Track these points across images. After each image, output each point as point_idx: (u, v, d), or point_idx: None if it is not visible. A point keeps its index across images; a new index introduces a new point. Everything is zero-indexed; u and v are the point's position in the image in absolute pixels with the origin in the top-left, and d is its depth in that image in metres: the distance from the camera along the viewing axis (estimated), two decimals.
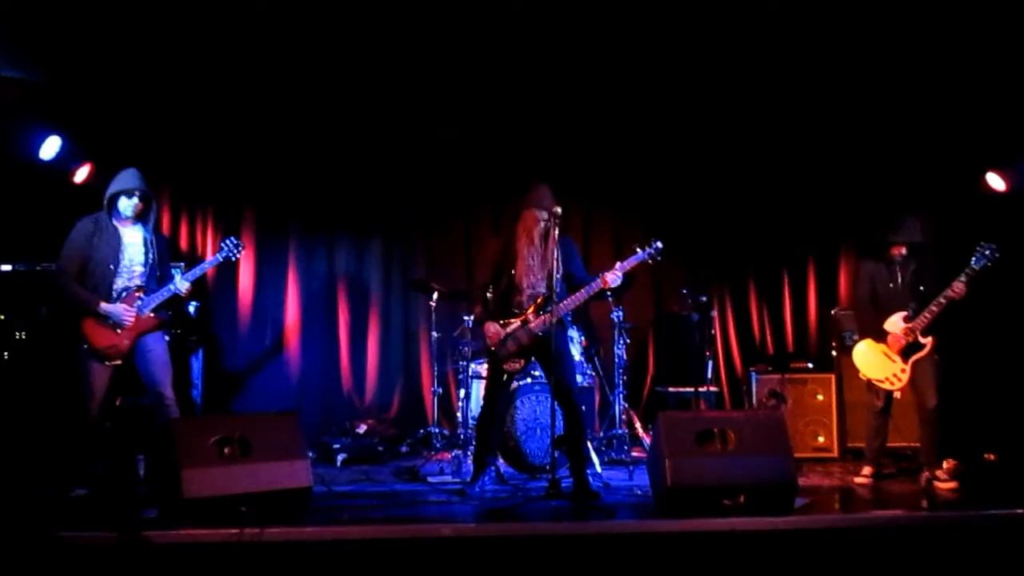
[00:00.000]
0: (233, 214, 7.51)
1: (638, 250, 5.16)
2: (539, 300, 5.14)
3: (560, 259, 5.10)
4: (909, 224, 5.66)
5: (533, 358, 5.30)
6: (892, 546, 4.25)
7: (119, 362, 5.01)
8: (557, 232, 5.08)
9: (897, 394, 5.80)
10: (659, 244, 5.14)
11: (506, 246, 5.28)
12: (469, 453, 6.14)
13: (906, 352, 5.52)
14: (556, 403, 5.03)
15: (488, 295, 5.36)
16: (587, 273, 5.32)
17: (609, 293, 5.38)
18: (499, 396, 5.35)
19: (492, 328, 5.19)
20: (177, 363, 5.50)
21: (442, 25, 6.49)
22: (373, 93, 7.18)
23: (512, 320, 5.19)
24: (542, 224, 5.15)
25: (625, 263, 5.13)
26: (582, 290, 5.13)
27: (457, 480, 5.65)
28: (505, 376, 5.27)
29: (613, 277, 5.07)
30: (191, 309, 6.63)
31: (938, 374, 5.53)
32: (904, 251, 5.65)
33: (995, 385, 6.62)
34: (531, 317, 5.14)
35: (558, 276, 5.10)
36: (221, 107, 7.08)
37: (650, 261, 5.17)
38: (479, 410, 6.24)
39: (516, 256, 5.19)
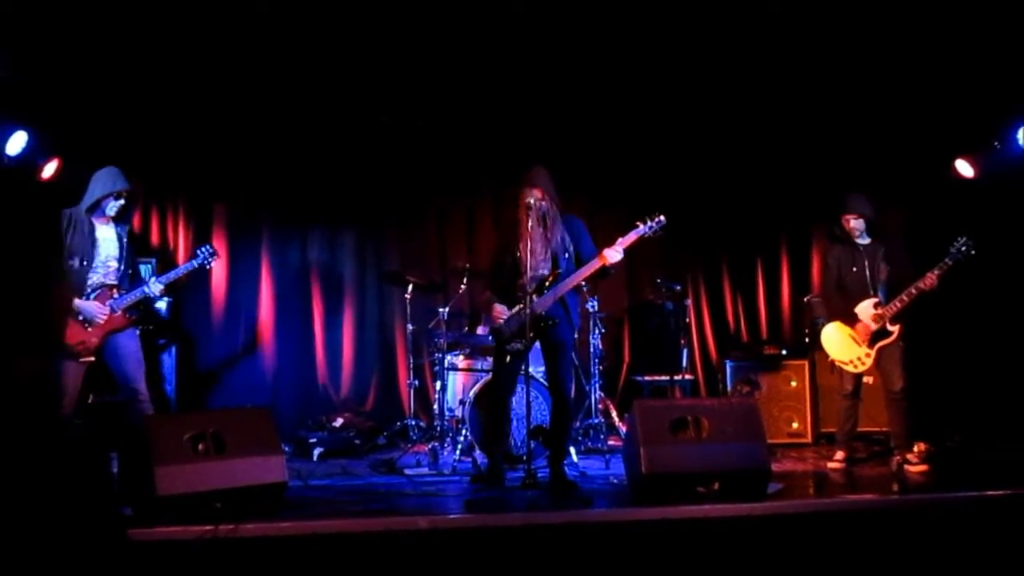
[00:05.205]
0: (204, 208, 7.45)
1: (639, 224, 5.03)
2: (544, 281, 5.03)
3: (568, 240, 5.05)
4: (855, 199, 5.76)
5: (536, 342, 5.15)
6: (864, 530, 4.31)
7: (92, 359, 4.98)
8: (550, 215, 5.02)
9: (868, 379, 5.89)
10: (662, 218, 5.01)
11: (509, 229, 5.22)
12: (446, 445, 6.15)
13: (873, 338, 5.59)
14: (547, 392, 5.00)
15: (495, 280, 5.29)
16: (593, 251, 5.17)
17: (612, 272, 5.25)
18: (507, 379, 5.20)
19: (498, 308, 5.10)
20: (149, 359, 5.46)
21: (417, 11, 6.45)
22: (344, 84, 7.12)
23: (517, 303, 5.08)
24: (536, 203, 5.03)
25: (625, 238, 5.00)
26: (582, 268, 5.02)
27: (434, 472, 5.67)
28: (508, 357, 5.12)
29: (613, 253, 4.95)
30: (163, 305, 6.58)
31: (904, 358, 5.61)
32: (859, 224, 5.72)
33: (964, 370, 6.72)
34: (535, 298, 4.98)
35: (565, 256, 5.03)
36: (190, 100, 6.98)
37: (652, 235, 5.05)
38: (457, 403, 6.27)
39: (518, 238, 5.09)
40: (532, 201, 5.03)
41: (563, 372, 5.14)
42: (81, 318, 4.94)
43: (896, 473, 4.93)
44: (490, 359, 5.60)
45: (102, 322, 4.96)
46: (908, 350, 5.64)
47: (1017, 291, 6.70)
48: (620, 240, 5.00)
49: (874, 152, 7.16)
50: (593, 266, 4.99)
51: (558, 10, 6.41)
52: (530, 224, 5.00)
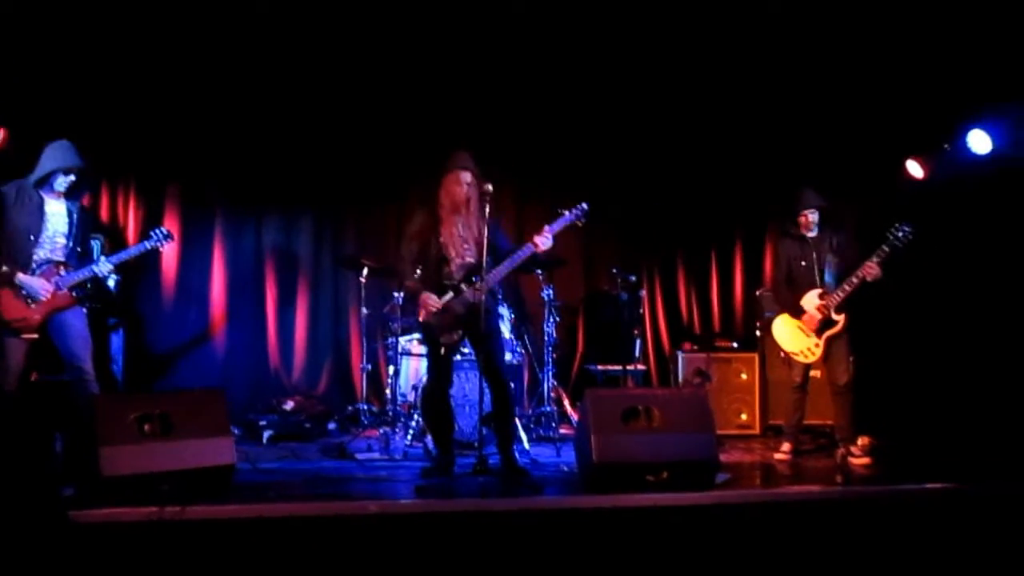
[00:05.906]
0: (156, 186, 7.32)
1: (564, 212, 5.08)
2: (471, 269, 4.98)
3: (485, 228, 4.98)
4: (808, 193, 5.85)
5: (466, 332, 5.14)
6: (808, 520, 4.38)
7: (35, 336, 4.86)
8: (488, 209, 4.94)
9: (816, 372, 5.99)
10: (584, 206, 5.08)
11: (431, 215, 5.12)
12: (398, 430, 6.13)
13: (820, 328, 5.69)
14: (484, 380, 5.02)
15: (418, 270, 5.18)
16: (512, 244, 5.19)
17: (541, 258, 5.22)
18: (443, 371, 5.13)
19: (430, 299, 4.97)
20: (97, 338, 5.35)
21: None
22: (302, 65, 7.04)
23: (445, 293, 5.02)
24: (465, 187, 4.99)
25: (553, 225, 5.01)
26: (514, 255, 4.98)
27: (385, 457, 5.65)
28: (443, 350, 5.07)
29: (543, 239, 4.95)
30: (112, 284, 6.45)
31: (850, 351, 5.73)
32: (815, 218, 5.81)
33: (908, 365, 6.87)
34: (464, 287, 4.97)
35: (485, 246, 4.97)
36: (142, 73, 6.83)
37: (578, 223, 5.10)
38: (410, 388, 6.25)
39: (440, 224, 5.04)
40: (466, 186, 5.01)
41: (498, 357, 5.11)
42: (24, 293, 4.82)
43: (840, 465, 5.03)
44: None
45: (45, 299, 4.84)
46: (854, 345, 5.75)
47: (966, 286, 6.86)
48: (547, 227, 4.99)
49: (828, 148, 7.26)
50: (525, 254, 4.97)
51: (554, 9, 6.43)
52: (455, 210, 5.00)
